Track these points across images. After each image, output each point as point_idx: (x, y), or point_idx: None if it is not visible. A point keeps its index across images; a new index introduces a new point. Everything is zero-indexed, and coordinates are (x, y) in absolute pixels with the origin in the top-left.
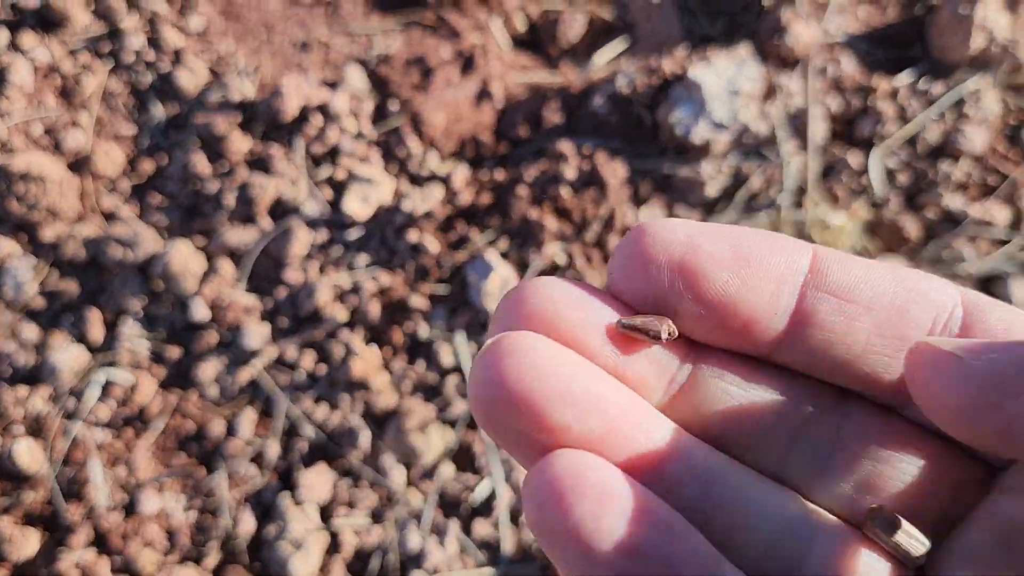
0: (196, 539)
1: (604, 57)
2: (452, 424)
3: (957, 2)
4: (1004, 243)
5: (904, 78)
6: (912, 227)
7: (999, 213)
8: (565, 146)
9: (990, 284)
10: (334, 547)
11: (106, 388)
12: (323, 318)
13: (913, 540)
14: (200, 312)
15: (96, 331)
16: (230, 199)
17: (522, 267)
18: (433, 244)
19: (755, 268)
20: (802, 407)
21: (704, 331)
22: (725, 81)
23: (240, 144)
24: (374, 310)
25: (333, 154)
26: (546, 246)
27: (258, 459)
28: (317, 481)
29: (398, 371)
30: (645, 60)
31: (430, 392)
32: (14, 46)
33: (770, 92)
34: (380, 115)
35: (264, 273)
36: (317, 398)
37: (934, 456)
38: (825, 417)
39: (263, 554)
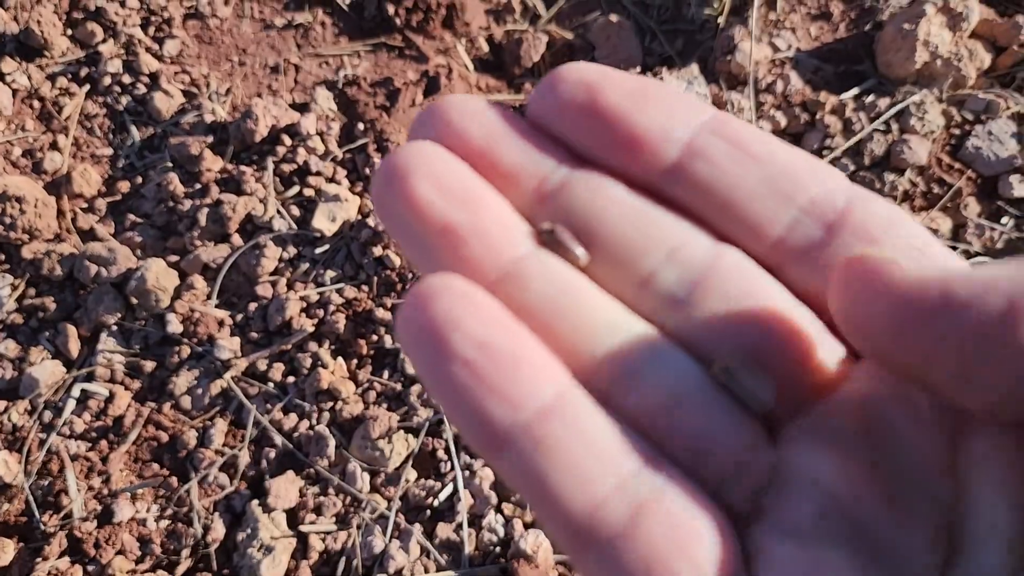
0: (168, 546)
1: None
2: (415, 432)
3: (901, 19)
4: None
5: (851, 93)
6: None
7: (943, 223)
8: None
9: None
10: (302, 552)
11: (82, 401)
12: (292, 331)
13: (762, 383)
14: (173, 326)
15: (73, 346)
16: (202, 218)
17: None
18: (396, 258)
19: (656, 101)
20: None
21: (592, 144)
22: None
23: (212, 164)
24: (340, 322)
25: (302, 173)
26: None
27: (228, 468)
28: (285, 488)
29: (364, 381)
30: None
31: (395, 401)
32: None
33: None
34: (347, 135)
35: (235, 288)
36: (286, 408)
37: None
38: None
39: (233, 560)
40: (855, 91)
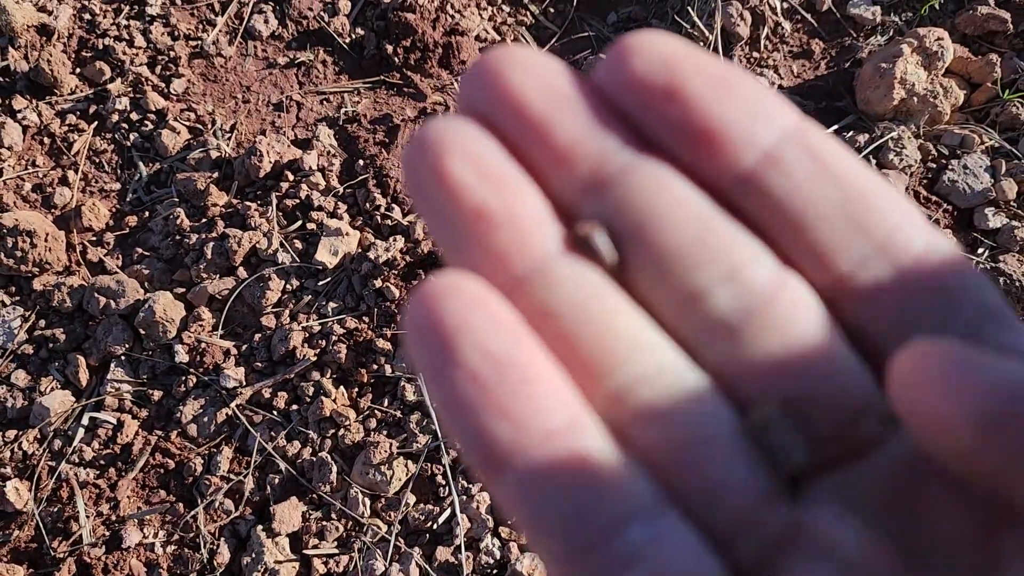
0: (175, 571)
1: None
2: (415, 458)
3: (879, 58)
4: None
5: (831, 129)
6: None
7: None
8: None
9: None
10: (305, 575)
11: (91, 429)
12: (295, 360)
13: (798, 442)
14: (180, 356)
15: (82, 375)
16: (208, 251)
17: None
18: (396, 290)
19: (740, 94)
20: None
21: (662, 130)
22: None
23: (218, 199)
24: (342, 352)
25: (304, 208)
26: None
27: (234, 494)
28: (289, 513)
29: (364, 408)
30: None
31: (395, 428)
32: (6, 109)
33: None
34: (348, 171)
35: (240, 319)
36: (289, 435)
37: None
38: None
39: None
40: (835, 127)
